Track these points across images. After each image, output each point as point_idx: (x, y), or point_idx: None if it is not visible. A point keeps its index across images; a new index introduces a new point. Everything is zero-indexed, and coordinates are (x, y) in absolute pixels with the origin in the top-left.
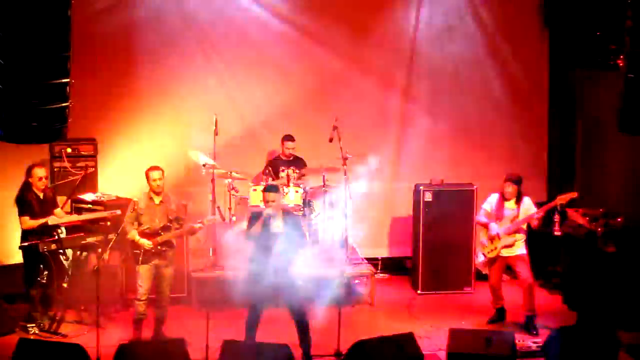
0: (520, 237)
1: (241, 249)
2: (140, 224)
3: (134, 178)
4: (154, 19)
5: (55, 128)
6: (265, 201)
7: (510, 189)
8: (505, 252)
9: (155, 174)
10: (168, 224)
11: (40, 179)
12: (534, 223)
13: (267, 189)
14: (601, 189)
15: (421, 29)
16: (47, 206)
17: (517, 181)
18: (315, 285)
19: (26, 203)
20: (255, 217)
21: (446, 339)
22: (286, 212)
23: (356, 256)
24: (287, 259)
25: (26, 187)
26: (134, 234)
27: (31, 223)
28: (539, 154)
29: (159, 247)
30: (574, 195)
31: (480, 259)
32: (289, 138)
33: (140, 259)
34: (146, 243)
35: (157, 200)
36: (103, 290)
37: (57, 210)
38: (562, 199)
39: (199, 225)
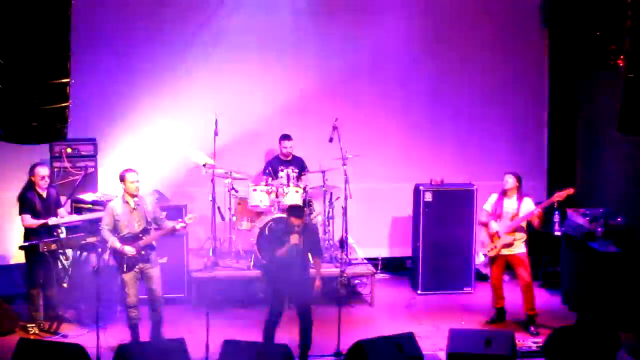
0: (520, 237)
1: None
2: (118, 231)
3: None
4: (154, 18)
5: (55, 128)
6: (291, 225)
7: (509, 179)
8: (505, 251)
9: (133, 176)
10: (147, 226)
11: (43, 177)
12: (536, 222)
13: (293, 213)
14: (601, 189)
15: (421, 29)
16: (50, 206)
17: (517, 176)
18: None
19: (27, 201)
20: (277, 239)
21: (446, 339)
22: (306, 226)
23: (356, 256)
24: (304, 269)
25: (29, 186)
26: (114, 241)
27: (31, 222)
28: (539, 154)
29: (142, 252)
30: (571, 191)
31: (480, 259)
32: (286, 137)
33: (125, 266)
34: (130, 250)
35: (132, 204)
36: (103, 290)
37: (61, 210)
38: (559, 196)
39: (181, 225)
